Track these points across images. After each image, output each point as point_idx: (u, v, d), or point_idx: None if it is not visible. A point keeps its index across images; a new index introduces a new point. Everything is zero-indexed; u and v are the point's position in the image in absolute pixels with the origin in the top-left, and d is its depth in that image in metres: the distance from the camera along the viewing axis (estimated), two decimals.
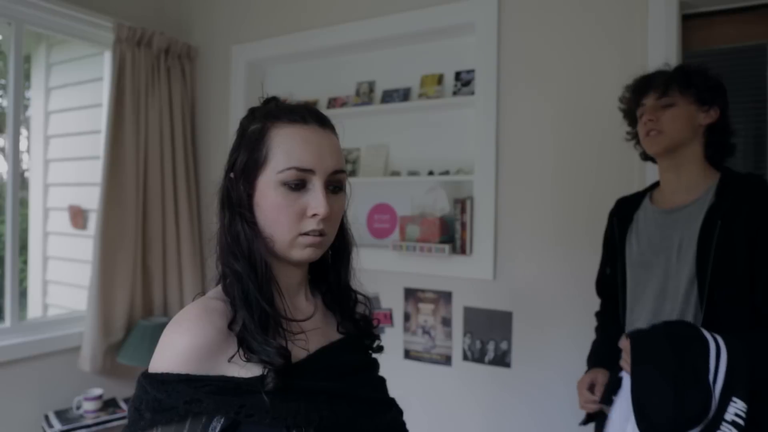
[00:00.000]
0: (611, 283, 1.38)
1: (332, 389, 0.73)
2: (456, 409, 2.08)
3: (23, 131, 2.59)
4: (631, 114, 1.35)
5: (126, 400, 2.36)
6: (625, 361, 1.12)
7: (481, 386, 2.03)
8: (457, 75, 2.13)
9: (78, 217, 2.65)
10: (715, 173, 1.23)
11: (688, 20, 1.80)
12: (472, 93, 2.05)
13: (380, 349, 0.90)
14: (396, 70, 2.30)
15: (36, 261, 2.79)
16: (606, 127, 1.77)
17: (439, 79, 2.18)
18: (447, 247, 2.00)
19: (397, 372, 2.15)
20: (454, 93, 2.12)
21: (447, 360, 2.11)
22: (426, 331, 2.16)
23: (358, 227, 0.88)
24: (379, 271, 2.22)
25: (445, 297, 2.11)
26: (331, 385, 0.73)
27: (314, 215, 0.72)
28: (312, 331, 0.75)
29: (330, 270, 0.85)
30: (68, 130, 2.73)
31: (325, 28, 2.35)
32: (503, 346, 1.99)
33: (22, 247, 2.65)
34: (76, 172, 2.68)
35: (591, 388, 1.32)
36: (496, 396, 2.00)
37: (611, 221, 1.42)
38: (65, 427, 2.09)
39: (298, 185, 0.72)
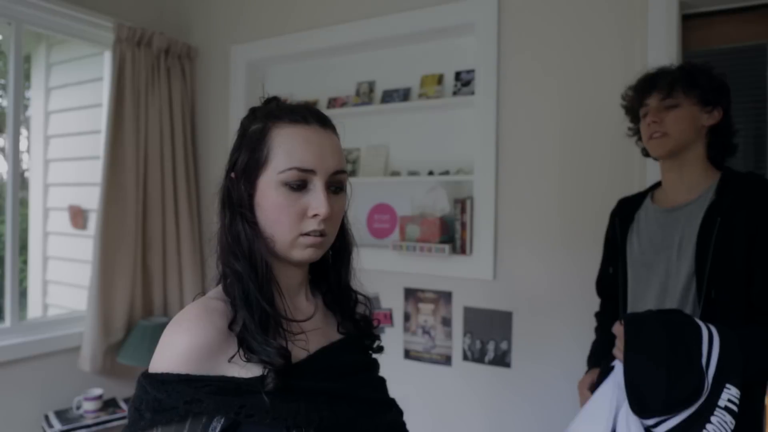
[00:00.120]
0: (613, 282, 1.38)
1: (332, 389, 0.73)
2: (456, 410, 2.08)
3: (23, 131, 2.59)
4: (633, 111, 1.34)
5: (126, 400, 2.36)
6: (618, 348, 1.12)
7: (481, 386, 2.03)
8: (457, 75, 2.13)
9: (78, 217, 2.65)
10: (716, 173, 1.23)
11: (688, 20, 1.80)
12: (472, 93, 2.05)
13: (380, 349, 0.90)
14: (396, 70, 2.30)
15: (36, 261, 2.79)
16: (606, 127, 1.77)
17: (439, 79, 2.17)
18: (447, 247, 2.00)
19: (397, 372, 2.15)
20: (454, 93, 2.12)
21: (447, 360, 2.11)
22: (426, 331, 2.16)
23: (358, 227, 0.88)
24: (379, 271, 2.21)
25: (445, 297, 2.11)
26: (331, 385, 0.73)
27: (315, 215, 0.72)
28: (312, 332, 0.75)
29: (330, 270, 0.85)
30: (68, 130, 2.73)
31: (326, 28, 2.35)
32: (503, 346, 1.99)
33: (22, 247, 2.65)
34: (76, 172, 2.68)
35: (592, 389, 1.32)
36: (496, 396, 2.00)
37: (613, 221, 1.42)
38: (65, 427, 2.09)
39: (299, 185, 0.72)
